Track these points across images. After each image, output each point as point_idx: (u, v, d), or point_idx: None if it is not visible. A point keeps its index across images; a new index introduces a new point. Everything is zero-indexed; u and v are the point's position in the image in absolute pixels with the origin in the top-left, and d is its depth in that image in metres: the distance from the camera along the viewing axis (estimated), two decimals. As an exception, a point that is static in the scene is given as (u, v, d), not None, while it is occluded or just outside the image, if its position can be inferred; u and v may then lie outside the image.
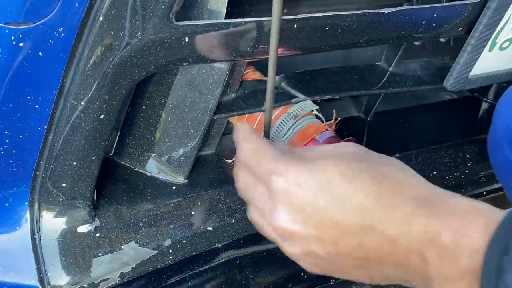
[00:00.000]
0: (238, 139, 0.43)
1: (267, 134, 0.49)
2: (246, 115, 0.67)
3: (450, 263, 0.33)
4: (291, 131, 0.62)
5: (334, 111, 0.63)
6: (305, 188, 0.37)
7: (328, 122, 0.63)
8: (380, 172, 0.37)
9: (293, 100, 0.64)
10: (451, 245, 0.33)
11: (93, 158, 0.55)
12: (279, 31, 0.41)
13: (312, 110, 0.64)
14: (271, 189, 0.39)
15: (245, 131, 0.43)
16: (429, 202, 0.35)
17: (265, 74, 0.68)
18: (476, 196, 0.85)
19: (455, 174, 0.81)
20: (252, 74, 0.68)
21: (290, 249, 0.40)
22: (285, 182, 0.38)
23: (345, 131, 0.75)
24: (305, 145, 0.60)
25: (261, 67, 0.69)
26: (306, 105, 0.63)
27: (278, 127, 0.62)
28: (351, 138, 0.58)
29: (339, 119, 0.63)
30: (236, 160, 0.43)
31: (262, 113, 0.65)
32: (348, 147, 0.41)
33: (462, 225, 0.33)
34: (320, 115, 0.65)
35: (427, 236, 0.34)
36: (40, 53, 0.45)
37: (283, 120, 0.62)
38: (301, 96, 0.66)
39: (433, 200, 0.36)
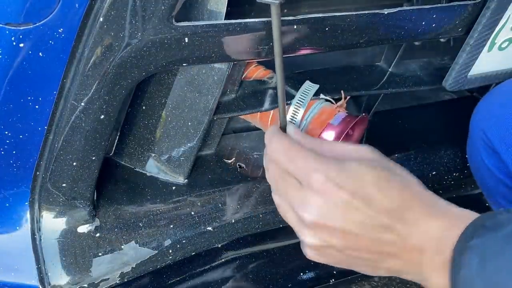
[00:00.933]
0: (269, 138, 0.49)
1: (283, 129, 0.51)
2: (259, 114, 0.67)
3: (440, 256, 0.41)
4: (304, 121, 0.62)
5: (342, 91, 0.64)
6: (342, 189, 0.43)
7: (339, 103, 0.64)
8: (402, 181, 0.45)
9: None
10: (443, 241, 0.41)
11: (93, 158, 0.55)
12: (280, 31, 0.41)
13: (319, 94, 0.64)
14: (310, 183, 0.44)
15: (274, 131, 0.50)
16: (431, 206, 0.44)
17: (269, 67, 0.69)
18: (476, 196, 0.86)
19: (454, 174, 0.81)
20: (256, 70, 0.68)
21: (310, 239, 0.46)
22: (326, 180, 0.44)
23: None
24: (321, 132, 0.61)
25: (263, 62, 0.69)
26: (308, 88, 0.63)
27: (290, 121, 0.62)
28: (364, 115, 0.59)
29: (348, 97, 0.63)
30: (267, 156, 0.50)
31: (272, 110, 0.66)
32: (368, 152, 0.48)
33: (452, 224, 0.42)
34: (329, 98, 0.65)
35: (429, 234, 0.42)
36: (40, 53, 0.45)
37: (293, 112, 0.62)
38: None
39: (433, 205, 0.44)
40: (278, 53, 0.43)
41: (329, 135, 0.61)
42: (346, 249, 0.45)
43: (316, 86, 0.64)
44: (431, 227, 0.42)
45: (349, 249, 0.45)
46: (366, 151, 0.48)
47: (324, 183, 0.44)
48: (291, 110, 0.63)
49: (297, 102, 0.62)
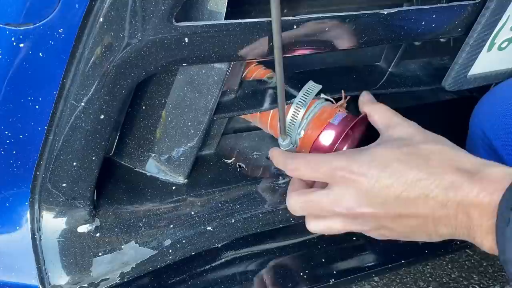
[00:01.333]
0: (283, 163, 0.54)
1: (283, 130, 0.51)
2: (259, 113, 0.67)
3: (488, 219, 0.41)
4: (305, 120, 0.62)
5: (342, 91, 0.64)
6: (368, 175, 0.46)
7: (339, 103, 0.64)
8: (428, 151, 0.46)
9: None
10: (488, 205, 0.41)
11: (93, 158, 0.55)
12: (280, 28, 0.41)
13: (320, 94, 0.65)
14: (337, 181, 0.47)
15: (281, 153, 0.54)
16: (470, 171, 0.44)
17: (268, 67, 0.69)
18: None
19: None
20: (256, 69, 0.68)
21: (362, 227, 0.49)
22: (350, 172, 0.47)
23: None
24: (321, 131, 0.61)
25: (264, 61, 0.69)
26: (310, 88, 0.63)
27: (291, 120, 0.62)
28: (364, 115, 0.59)
29: (348, 97, 0.63)
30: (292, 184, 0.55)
31: (272, 110, 0.66)
32: (397, 131, 0.51)
33: (496, 188, 0.41)
34: (329, 97, 0.65)
35: (470, 199, 0.42)
36: (40, 54, 0.45)
37: (294, 111, 0.62)
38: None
39: (473, 169, 0.44)
40: (278, 47, 0.43)
41: (329, 134, 0.61)
42: (397, 226, 0.47)
43: (319, 86, 0.64)
44: (470, 192, 0.42)
45: (399, 226, 0.46)
46: (396, 131, 0.51)
47: (350, 174, 0.47)
48: (292, 109, 0.63)
49: (298, 101, 0.62)
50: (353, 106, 0.84)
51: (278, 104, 0.49)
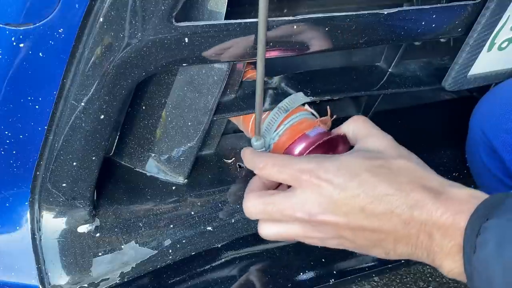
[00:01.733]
0: (251, 162, 0.52)
1: (257, 131, 0.50)
2: (242, 116, 0.67)
3: (450, 241, 0.41)
4: (282, 126, 0.61)
5: (328, 107, 0.62)
6: (334, 182, 0.44)
7: (322, 119, 0.62)
8: (398, 167, 0.45)
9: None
10: (451, 226, 0.40)
11: (93, 158, 0.55)
12: (265, 27, 0.41)
13: (304, 105, 0.64)
14: (301, 184, 0.46)
15: (252, 151, 0.53)
16: (436, 190, 0.43)
17: (265, 71, 0.68)
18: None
19: (454, 174, 0.81)
20: (252, 71, 0.68)
21: (321, 235, 0.47)
22: (317, 177, 0.45)
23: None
24: (295, 140, 0.59)
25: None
26: (296, 97, 0.62)
27: (269, 122, 0.61)
28: (343, 134, 0.57)
29: (334, 116, 0.62)
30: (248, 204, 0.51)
31: (254, 114, 0.65)
32: (370, 142, 0.50)
33: (460, 209, 0.41)
34: (314, 111, 0.64)
35: (433, 219, 0.41)
36: (40, 53, 0.45)
37: (274, 115, 0.61)
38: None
39: (439, 189, 0.43)
40: (261, 43, 0.43)
41: (301, 144, 0.59)
42: (357, 238, 0.46)
43: (306, 99, 0.63)
44: (435, 212, 0.41)
45: (358, 238, 0.45)
46: (368, 142, 0.50)
47: (315, 179, 0.45)
48: (272, 113, 0.62)
49: (280, 108, 0.62)
50: (353, 105, 0.85)
51: (255, 104, 0.49)
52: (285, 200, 0.47)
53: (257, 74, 0.45)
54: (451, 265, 0.41)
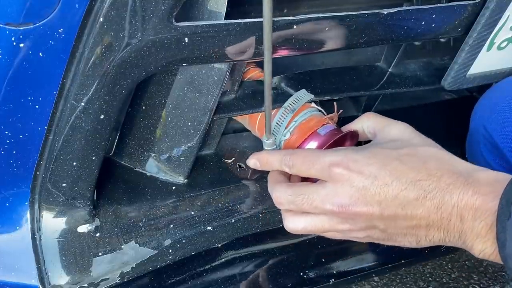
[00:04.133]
0: (276, 157, 0.53)
1: (268, 130, 0.50)
2: (248, 115, 0.67)
3: (480, 221, 0.42)
4: (293, 123, 0.62)
5: (334, 104, 0.63)
6: (365, 173, 0.45)
7: (330, 115, 0.63)
8: (425, 154, 0.47)
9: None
10: (481, 207, 0.42)
11: (93, 158, 0.55)
12: (271, 27, 0.41)
13: (311, 102, 0.64)
14: (332, 177, 0.46)
15: (274, 152, 0.54)
16: (464, 174, 0.44)
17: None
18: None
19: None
20: (252, 71, 0.68)
21: (350, 227, 0.47)
22: (347, 169, 0.46)
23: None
24: (306, 138, 0.60)
25: (262, 63, 0.69)
26: (300, 96, 0.63)
27: (277, 123, 0.62)
28: (353, 131, 0.58)
29: (341, 110, 0.63)
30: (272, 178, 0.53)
31: (261, 113, 0.65)
32: (393, 132, 0.51)
33: (489, 190, 0.42)
34: (320, 108, 0.65)
35: (464, 201, 0.42)
36: (40, 53, 0.45)
37: (281, 116, 0.62)
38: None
39: (467, 172, 0.44)
40: (268, 43, 0.43)
41: (313, 143, 0.59)
42: (388, 228, 0.46)
43: (310, 96, 0.63)
44: (465, 195, 0.42)
45: (391, 227, 0.46)
46: (392, 130, 0.51)
47: (346, 171, 0.46)
48: (279, 112, 0.62)
49: (286, 107, 0.62)
50: (353, 105, 0.85)
51: (264, 103, 0.49)
52: (315, 192, 0.47)
53: (265, 73, 0.45)
54: (482, 245, 0.42)
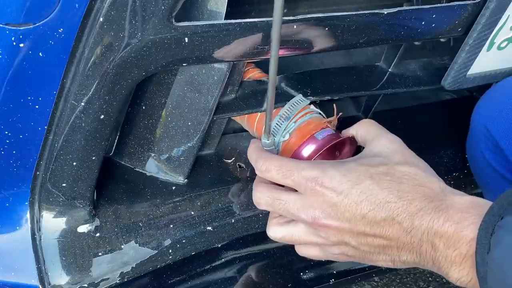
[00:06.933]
0: (255, 159, 0.51)
1: (267, 130, 0.50)
2: (246, 115, 0.67)
3: (454, 250, 0.40)
4: (293, 124, 0.62)
5: (334, 106, 0.63)
6: (337, 190, 0.45)
7: (329, 119, 0.63)
8: (401, 173, 0.45)
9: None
10: (454, 235, 0.40)
11: (93, 158, 0.55)
12: (280, 29, 0.41)
13: (310, 104, 0.64)
14: (307, 191, 0.46)
15: (259, 150, 0.52)
16: (439, 198, 0.43)
17: (265, 71, 0.69)
18: (476, 195, 0.86)
19: (454, 174, 0.81)
20: (252, 71, 0.68)
21: (324, 241, 0.48)
22: (321, 186, 0.46)
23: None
24: (303, 142, 0.60)
25: (261, 64, 0.69)
26: (297, 103, 0.63)
27: (276, 124, 0.62)
28: (351, 136, 0.58)
29: (340, 113, 0.63)
30: (259, 178, 0.52)
31: (260, 114, 0.65)
32: (379, 145, 0.50)
33: (462, 217, 0.41)
34: (319, 111, 0.65)
35: (435, 228, 0.41)
36: (40, 53, 0.45)
37: (277, 123, 0.62)
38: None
39: (440, 196, 0.43)
40: (275, 44, 0.43)
41: (310, 147, 0.60)
42: (360, 245, 0.46)
43: (307, 101, 0.63)
44: (436, 222, 0.41)
45: (362, 245, 0.46)
46: (376, 148, 0.50)
47: (320, 187, 0.46)
48: (275, 119, 0.62)
49: (282, 114, 0.62)
50: (353, 105, 0.85)
51: (266, 102, 0.49)
52: (292, 201, 0.48)
53: (270, 73, 0.45)
54: (458, 274, 0.41)
